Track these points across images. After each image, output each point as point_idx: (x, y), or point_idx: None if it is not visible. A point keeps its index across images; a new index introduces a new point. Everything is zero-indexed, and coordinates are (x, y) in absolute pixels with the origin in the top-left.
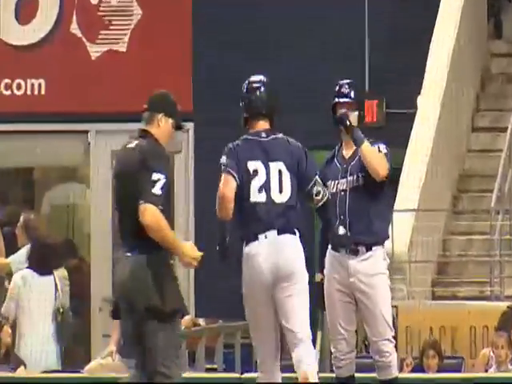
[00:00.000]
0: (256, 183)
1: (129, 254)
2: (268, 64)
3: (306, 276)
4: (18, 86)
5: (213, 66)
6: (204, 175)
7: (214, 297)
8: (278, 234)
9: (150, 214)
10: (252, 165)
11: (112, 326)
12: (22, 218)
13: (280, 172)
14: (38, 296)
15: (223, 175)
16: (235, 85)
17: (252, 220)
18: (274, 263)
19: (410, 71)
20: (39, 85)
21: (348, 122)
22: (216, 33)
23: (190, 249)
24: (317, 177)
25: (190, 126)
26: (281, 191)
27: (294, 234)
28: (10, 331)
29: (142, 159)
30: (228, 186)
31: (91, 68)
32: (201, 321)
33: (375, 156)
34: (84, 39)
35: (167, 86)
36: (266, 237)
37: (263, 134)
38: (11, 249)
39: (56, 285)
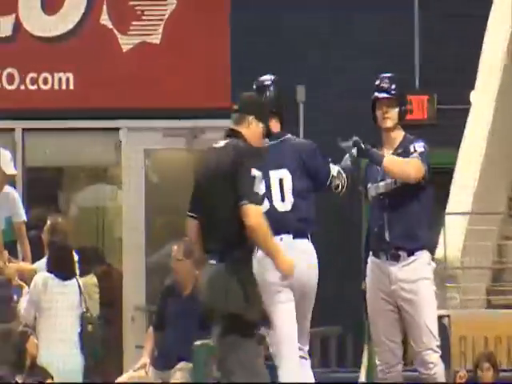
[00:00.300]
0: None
1: (214, 262)
2: None
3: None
4: (45, 81)
5: (252, 58)
6: None
7: None
8: (294, 237)
9: (254, 214)
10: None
11: (145, 337)
12: (48, 221)
13: (281, 181)
14: (60, 301)
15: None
16: None
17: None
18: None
19: (462, 65)
20: (67, 79)
21: (363, 146)
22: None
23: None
24: (335, 169)
25: (228, 123)
26: (283, 200)
27: (308, 238)
28: (36, 342)
29: (238, 158)
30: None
31: (122, 61)
32: None
33: (398, 168)
34: (115, 30)
35: (204, 81)
36: (281, 239)
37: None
38: (37, 254)
39: (80, 290)
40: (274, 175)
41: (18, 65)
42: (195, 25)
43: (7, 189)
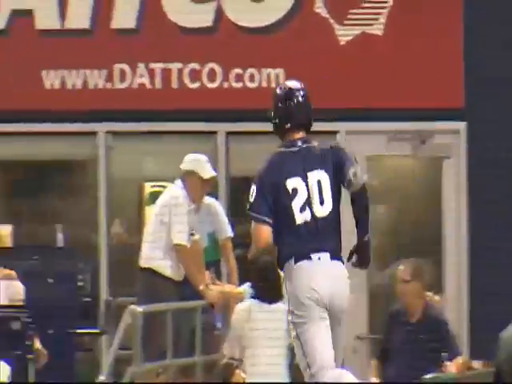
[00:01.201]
0: (297, 203)
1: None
2: None
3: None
4: (251, 78)
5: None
6: (479, 181)
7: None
8: (331, 258)
9: None
10: (291, 183)
11: (369, 370)
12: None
13: (319, 182)
14: (265, 329)
15: (254, 223)
16: None
17: (301, 241)
18: (331, 292)
19: None
20: (276, 75)
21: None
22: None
23: None
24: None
25: (461, 125)
26: (322, 202)
27: (343, 262)
28: (243, 376)
29: None
30: (262, 236)
31: (339, 55)
32: (476, 364)
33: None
34: (331, 20)
35: (433, 79)
36: (319, 258)
37: (299, 143)
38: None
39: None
40: (313, 176)
41: (220, 60)
42: (423, 13)
43: (208, 200)
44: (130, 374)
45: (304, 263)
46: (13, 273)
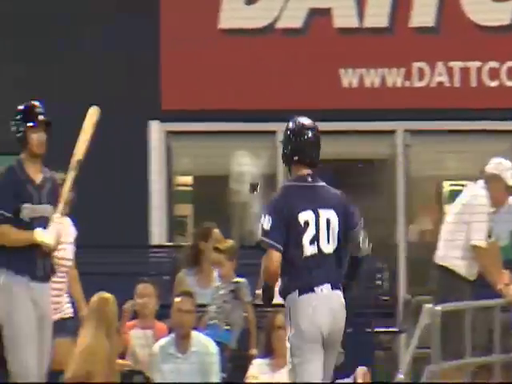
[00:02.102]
0: (307, 236)
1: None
2: None
3: None
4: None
5: None
6: None
7: None
8: (332, 288)
9: None
10: (303, 216)
11: None
12: None
13: (328, 221)
14: None
15: (269, 250)
16: None
17: (306, 273)
18: (332, 320)
19: None
20: None
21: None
22: None
23: None
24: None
25: None
26: (328, 241)
27: (341, 290)
28: None
29: None
30: (273, 260)
31: None
32: None
33: None
34: None
35: None
36: (321, 290)
37: (309, 179)
38: None
39: None
40: (323, 214)
41: None
42: None
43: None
44: (428, 373)
45: (307, 297)
46: None
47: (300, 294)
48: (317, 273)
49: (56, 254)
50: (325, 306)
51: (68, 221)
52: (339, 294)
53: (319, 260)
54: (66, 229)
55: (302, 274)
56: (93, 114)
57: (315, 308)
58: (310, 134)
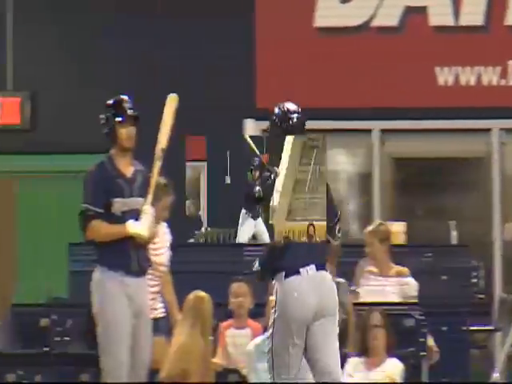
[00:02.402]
0: None
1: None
2: None
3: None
4: None
5: None
6: None
7: None
8: (317, 269)
9: None
10: None
11: None
12: None
13: None
14: None
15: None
16: None
17: (293, 255)
18: (318, 300)
19: None
20: None
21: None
22: None
23: None
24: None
25: None
26: None
27: (326, 270)
28: None
29: None
30: None
31: None
32: None
33: None
34: None
35: None
36: (307, 272)
37: None
38: None
39: None
40: None
41: None
42: None
43: None
44: None
45: (293, 279)
46: (406, 270)
47: (286, 276)
48: (305, 255)
49: (153, 259)
50: (310, 288)
51: (164, 226)
52: (324, 273)
53: (309, 244)
54: (161, 235)
55: (290, 256)
56: (172, 101)
57: (300, 293)
58: (294, 119)
